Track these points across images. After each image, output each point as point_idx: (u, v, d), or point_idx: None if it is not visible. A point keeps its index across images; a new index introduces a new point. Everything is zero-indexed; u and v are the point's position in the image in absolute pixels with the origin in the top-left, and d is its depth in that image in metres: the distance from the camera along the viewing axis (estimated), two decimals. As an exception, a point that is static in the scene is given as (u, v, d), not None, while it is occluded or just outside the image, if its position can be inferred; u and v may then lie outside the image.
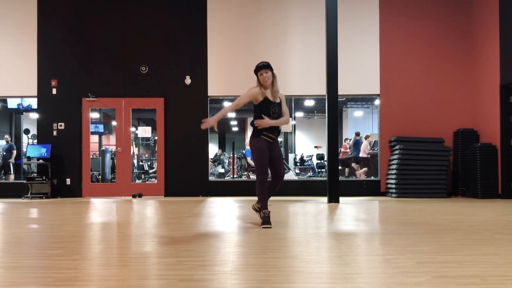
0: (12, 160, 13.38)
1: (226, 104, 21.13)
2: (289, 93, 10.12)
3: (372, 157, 13.17)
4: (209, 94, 9.81)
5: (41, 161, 9.59)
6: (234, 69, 9.79)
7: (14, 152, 13.39)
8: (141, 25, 9.89)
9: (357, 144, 13.88)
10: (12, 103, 12.32)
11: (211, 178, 10.88)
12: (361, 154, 13.61)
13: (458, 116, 9.70)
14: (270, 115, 4.53)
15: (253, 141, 4.62)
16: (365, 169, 13.46)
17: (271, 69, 4.55)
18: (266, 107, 4.53)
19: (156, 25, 9.88)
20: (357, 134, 14.10)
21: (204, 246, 3.48)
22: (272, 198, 9.13)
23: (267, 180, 4.59)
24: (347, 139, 16.30)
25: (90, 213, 6.30)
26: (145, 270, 2.70)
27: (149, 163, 15.13)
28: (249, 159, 12.35)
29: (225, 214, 5.92)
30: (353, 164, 13.78)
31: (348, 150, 14.98)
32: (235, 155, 13.21)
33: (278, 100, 4.60)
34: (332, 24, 7.79)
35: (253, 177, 12.00)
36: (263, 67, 4.52)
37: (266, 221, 4.53)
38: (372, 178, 10.79)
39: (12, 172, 13.47)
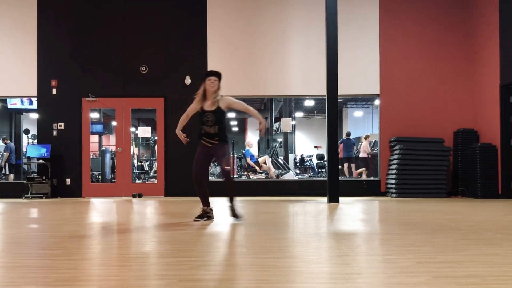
0: (2, 163, 13.23)
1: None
2: (289, 93, 10.14)
3: (372, 157, 13.16)
4: (209, 94, 9.78)
5: (41, 161, 9.59)
6: (234, 69, 9.77)
7: (5, 154, 13.19)
8: (141, 25, 9.88)
9: (346, 144, 13.63)
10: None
11: (211, 178, 10.88)
12: (361, 154, 13.56)
13: (458, 116, 9.69)
14: (204, 123, 5.08)
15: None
16: (362, 169, 13.38)
17: (219, 78, 5.07)
18: (201, 116, 5.12)
19: (156, 25, 9.88)
20: (348, 134, 13.89)
21: (204, 246, 3.48)
22: (271, 198, 9.19)
23: (198, 180, 5.15)
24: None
25: (90, 213, 6.30)
26: (145, 270, 2.70)
27: (148, 163, 15.11)
28: (248, 159, 12.35)
29: (225, 214, 5.91)
30: (345, 165, 13.61)
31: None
32: (235, 155, 13.20)
33: (213, 108, 5.03)
34: (332, 24, 7.79)
35: (253, 177, 12.01)
36: (210, 74, 5.12)
37: (200, 215, 5.08)
38: (372, 178, 10.80)
39: (7, 172, 13.33)
